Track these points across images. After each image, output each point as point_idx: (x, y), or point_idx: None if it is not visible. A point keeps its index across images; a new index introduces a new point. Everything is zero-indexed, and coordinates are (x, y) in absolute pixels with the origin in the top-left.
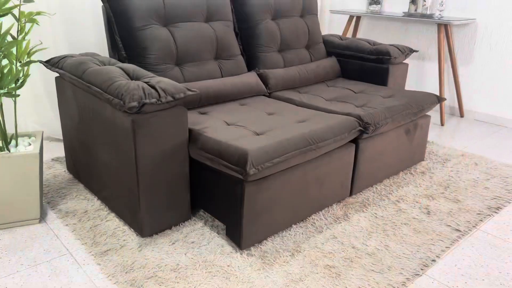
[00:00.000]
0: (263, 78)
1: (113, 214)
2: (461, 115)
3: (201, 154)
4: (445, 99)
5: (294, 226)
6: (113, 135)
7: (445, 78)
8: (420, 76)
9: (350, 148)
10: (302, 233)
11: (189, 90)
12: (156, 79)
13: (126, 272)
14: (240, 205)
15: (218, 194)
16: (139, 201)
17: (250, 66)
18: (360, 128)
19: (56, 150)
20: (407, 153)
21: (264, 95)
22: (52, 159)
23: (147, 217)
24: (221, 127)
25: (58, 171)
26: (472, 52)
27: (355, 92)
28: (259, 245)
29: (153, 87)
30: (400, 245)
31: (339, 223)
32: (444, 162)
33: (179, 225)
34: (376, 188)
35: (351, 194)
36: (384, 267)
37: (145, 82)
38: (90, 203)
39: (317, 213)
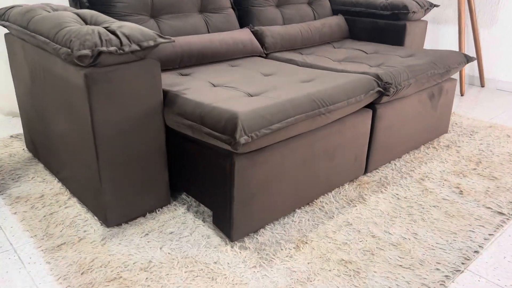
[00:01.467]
0: (258, 37)
1: (74, 199)
2: (482, 85)
3: (179, 121)
4: (475, 59)
5: (298, 210)
6: (66, 97)
7: (465, 44)
8: (435, 41)
9: (366, 114)
10: (308, 219)
11: (161, 37)
12: (118, 23)
13: (82, 273)
14: (229, 184)
15: (202, 172)
16: (100, 181)
17: (243, 23)
18: (379, 88)
19: (18, 126)
20: (430, 123)
21: (260, 56)
22: (11, 136)
23: (112, 201)
24: (205, 89)
25: (15, 149)
26: (495, 13)
27: (367, 53)
28: (255, 236)
29: (113, 32)
30: (432, 232)
31: (353, 206)
32: (471, 134)
33: (156, 212)
34: (395, 164)
35: (366, 171)
36: (415, 261)
37: (104, 28)
38: (49, 186)
39: (326, 194)
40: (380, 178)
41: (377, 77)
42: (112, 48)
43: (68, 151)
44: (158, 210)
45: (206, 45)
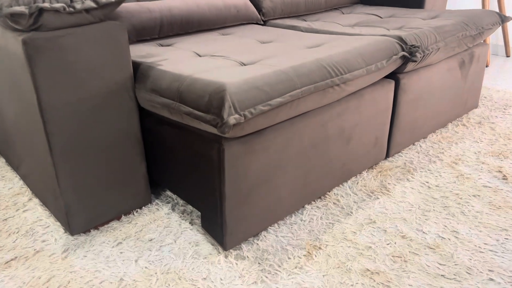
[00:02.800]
0: (254, 1)
1: (35, 200)
2: (507, 55)
3: (153, 99)
4: (511, 18)
5: (308, 206)
6: (10, 73)
7: (489, 7)
8: (454, 5)
9: (388, 86)
10: (321, 217)
11: None
12: None
13: None
14: (219, 178)
15: (186, 164)
16: (56, 177)
17: None
18: (403, 53)
19: None
20: (460, 96)
21: (256, 23)
22: None
23: (74, 203)
24: (188, 59)
25: None
26: None
27: (381, 17)
28: (255, 241)
29: None
30: (476, 229)
31: (375, 199)
32: (505, 109)
33: (133, 213)
34: (420, 146)
35: (387, 155)
36: (460, 269)
37: None
38: (8, 185)
39: (341, 185)
40: (405, 163)
41: (400, 39)
42: (58, 5)
43: (23, 142)
44: (137, 211)
45: (192, 10)
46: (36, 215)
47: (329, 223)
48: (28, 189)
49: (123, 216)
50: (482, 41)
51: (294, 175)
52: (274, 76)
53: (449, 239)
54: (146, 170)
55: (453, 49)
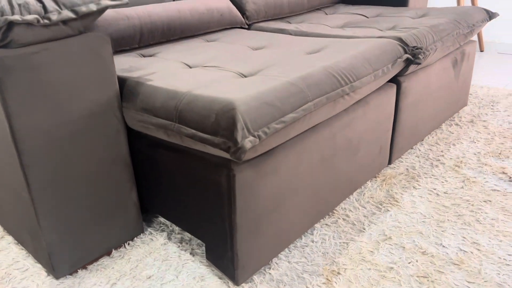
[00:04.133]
0: (236, 3)
1: (8, 238)
2: (481, 49)
3: (146, 119)
4: (498, 14)
5: (317, 225)
6: None
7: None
8: (431, 3)
9: (390, 90)
10: (333, 237)
11: None
12: None
13: None
14: (229, 207)
15: (186, 191)
16: (36, 214)
17: None
18: (407, 55)
19: None
20: (453, 95)
21: (241, 27)
22: None
23: (58, 241)
24: (179, 71)
25: None
26: None
27: (367, 17)
28: (267, 270)
29: None
30: (496, 239)
31: (385, 212)
32: (492, 105)
33: (125, 247)
34: (419, 149)
35: (389, 162)
36: (491, 287)
37: None
38: None
39: (347, 198)
40: (407, 169)
41: (401, 41)
42: (31, 17)
43: None
44: (128, 244)
45: (173, 16)
46: (11, 256)
47: (343, 242)
48: (0, 226)
49: (113, 251)
50: (470, 40)
51: (305, 195)
52: (284, 89)
53: (472, 252)
54: (137, 197)
55: (448, 48)
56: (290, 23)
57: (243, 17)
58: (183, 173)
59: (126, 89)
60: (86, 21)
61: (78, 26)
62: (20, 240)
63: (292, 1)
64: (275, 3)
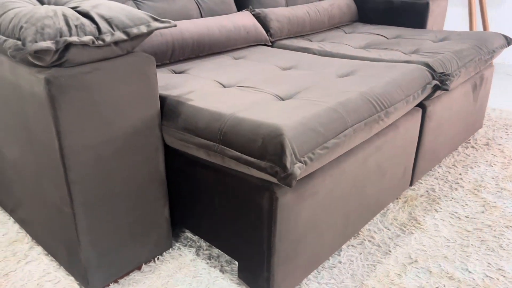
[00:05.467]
0: (261, 21)
1: (38, 249)
2: None
3: (188, 139)
4: None
5: (344, 246)
6: (19, 112)
7: (476, 26)
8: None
9: (417, 114)
10: (360, 259)
11: (156, 20)
12: (91, 2)
13: None
14: (268, 229)
15: (222, 210)
16: (76, 230)
17: (239, 5)
18: (436, 82)
19: None
20: (470, 118)
21: (265, 45)
22: None
23: (95, 256)
24: (215, 91)
25: None
26: None
27: (387, 38)
28: None
29: (85, 14)
30: None
31: (409, 234)
32: (506, 129)
33: (154, 261)
34: (438, 172)
35: (410, 184)
36: None
37: (72, 8)
38: (2, 230)
39: (371, 220)
40: (427, 191)
41: (428, 66)
42: (87, 38)
43: (24, 186)
44: (158, 259)
45: (203, 32)
46: (41, 268)
47: (370, 264)
48: (28, 235)
49: (143, 265)
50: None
51: (337, 217)
52: (326, 115)
53: (498, 279)
54: (169, 213)
55: (469, 73)
56: (311, 41)
57: (267, 34)
58: (221, 192)
59: (167, 107)
60: (135, 42)
61: (128, 47)
62: (52, 252)
63: (313, 19)
64: (298, 21)
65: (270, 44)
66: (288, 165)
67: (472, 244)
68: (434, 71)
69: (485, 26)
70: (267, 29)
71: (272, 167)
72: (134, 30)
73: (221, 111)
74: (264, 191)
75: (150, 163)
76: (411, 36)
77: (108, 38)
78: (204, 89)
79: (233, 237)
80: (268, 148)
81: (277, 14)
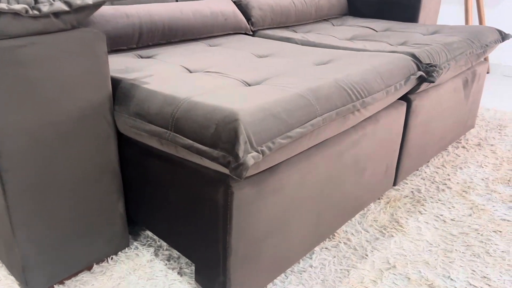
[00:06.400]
0: (242, 8)
1: None
2: (487, 71)
3: (139, 126)
4: (511, 36)
5: (317, 249)
6: None
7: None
8: (439, 20)
9: (401, 108)
10: (333, 263)
11: None
12: None
13: None
14: (224, 227)
15: (177, 206)
16: (11, 223)
17: None
18: (421, 73)
19: None
20: (461, 117)
21: (245, 33)
22: None
23: (33, 254)
24: (178, 76)
25: None
26: None
27: (376, 31)
28: None
29: None
30: (507, 274)
31: (389, 237)
32: (500, 129)
33: (107, 261)
34: (425, 172)
35: (394, 184)
36: None
37: None
38: None
39: (349, 221)
40: (412, 192)
41: (414, 57)
42: (19, 7)
43: None
44: (112, 258)
45: (175, 17)
46: None
47: (344, 269)
48: None
49: (95, 265)
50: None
51: (308, 217)
52: (292, 101)
53: None
54: (124, 208)
55: (460, 68)
56: (296, 32)
57: (248, 23)
58: (176, 186)
59: (120, 91)
60: (80, 15)
61: (71, 20)
62: None
63: (299, 9)
64: (281, 10)
65: (251, 33)
66: (241, 154)
67: (456, 249)
68: (420, 61)
69: (480, 22)
70: (248, 17)
71: (224, 156)
72: (77, 1)
73: (175, 94)
74: (218, 184)
75: (101, 152)
76: (401, 29)
77: (45, 8)
78: (165, 73)
79: (189, 236)
80: (221, 135)
81: (260, 2)
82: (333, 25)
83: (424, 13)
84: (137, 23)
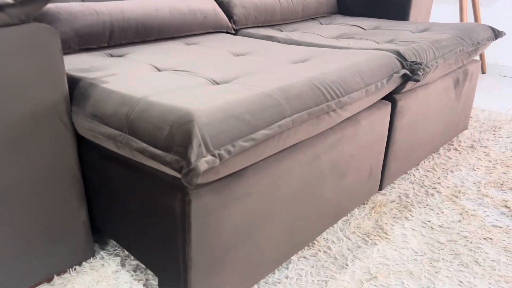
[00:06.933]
0: (224, 6)
1: None
2: (483, 71)
3: (95, 128)
4: (505, 34)
5: (294, 258)
6: None
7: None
8: (432, 19)
9: (384, 108)
10: (311, 273)
11: None
12: None
13: None
14: (183, 238)
15: (139, 214)
16: None
17: None
18: (405, 71)
19: None
20: (452, 117)
21: (227, 32)
22: None
23: None
24: (143, 74)
25: None
26: None
27: (365, 29)
28: None
29: None
30: (497, 285)
31: (373, 245)
32: (494, 131)
33: (70, 272)
34: (414, 175)
35: (380, 188)
36: None
37: None
38: None
39: (330, 228)
40: (400, 197)
41: (399, 54)
42: None
43: None
44: (75, 269)
45: (150, 14)
46: None
47: (322, 280)
48: None
49: (55, 277)
50: (473, 59)
51: (281, 225)
52: (258, 100)
53: None
54: (87, 216)
55: (450, 66)
56: (281, 31)
57: (230, 22)
58: (135, 193)
59: (78, 91)
60: (28, 9)
61: (18, 14)
62: None
63: (285, 8)
64: (266, 8)
65: (233, 32)
66: (193, 158)
67: (443, 258)
68: (405, 59)
69: (476, 21)
70: (230, 16)
71: (178, 161)
72: None
73: (133, 94)
74: (176, 191)
75: (59, 157)
76: (390, 27)
77: None
78: (130, 72)
79: (150, 247)
80: (175, 137)
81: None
82: (321, 24)
83: (415, 12)
84: (107, 21)
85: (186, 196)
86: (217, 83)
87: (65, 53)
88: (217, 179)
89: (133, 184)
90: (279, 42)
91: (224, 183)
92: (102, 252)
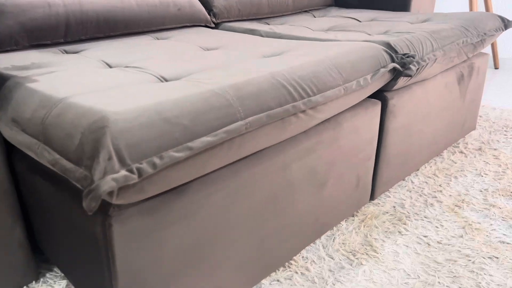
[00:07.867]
0: None
1: None
2: (496, 66)
3: (13, 136)
4: None
5: (265, 282)
6: None
7: None
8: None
9: (373, 108)
10: None
11: None
12: None
13: None
14: (107, 269)
15: (68, 237)
16: None
17: None
18: (394, 65)
19: None
20: (458, 117)
21: (206, 26)
22: None
23: None
24: (85, 72)
25: None
26: None
27: (360, 21)
28: None
29: None
30: None
31: (358, 265)
32: (506, 131)
33: None
34: (412, 182)
35: (372, 197)
36: None
37: None
38: None
39: (312, 244)
40: (394, 207)
41: (388, 46)
42: None
43: None
44: None
45: (113, 6)
46: None
47: None
48: None
49: None
50: (481, 52)
51: (244, 245)
52: (201, 101)
53: None
54: (25, 234)
55: (452, 60)
56: (268, 24)
57: (210, 15)
58: (62, 212)
59: (3, 92)
60: None
61: None
62: None
63: (273, 0)
64: (251, 1)
65: (213, 25)
66: (97, 175)
67: (439, 282)
68: (396, 52)
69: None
70: (209, 8)
71: (86, 177)
72: None
73: (54, 94)
74: (96, 214)
75: None
76: (387, 19)
77: None
78: (72, 69)
79: (82, 275)
80: (84, 148)
81: None
82: (314, 17)
83: (417, 2)
84: (62, 14)
85: (107, 219)
86: (166, 80)
87: (12, 50)
88: (149, 198)
89: (58, 202)
90: (261, 35)
91: (158, 202)
92: (48, 274)
